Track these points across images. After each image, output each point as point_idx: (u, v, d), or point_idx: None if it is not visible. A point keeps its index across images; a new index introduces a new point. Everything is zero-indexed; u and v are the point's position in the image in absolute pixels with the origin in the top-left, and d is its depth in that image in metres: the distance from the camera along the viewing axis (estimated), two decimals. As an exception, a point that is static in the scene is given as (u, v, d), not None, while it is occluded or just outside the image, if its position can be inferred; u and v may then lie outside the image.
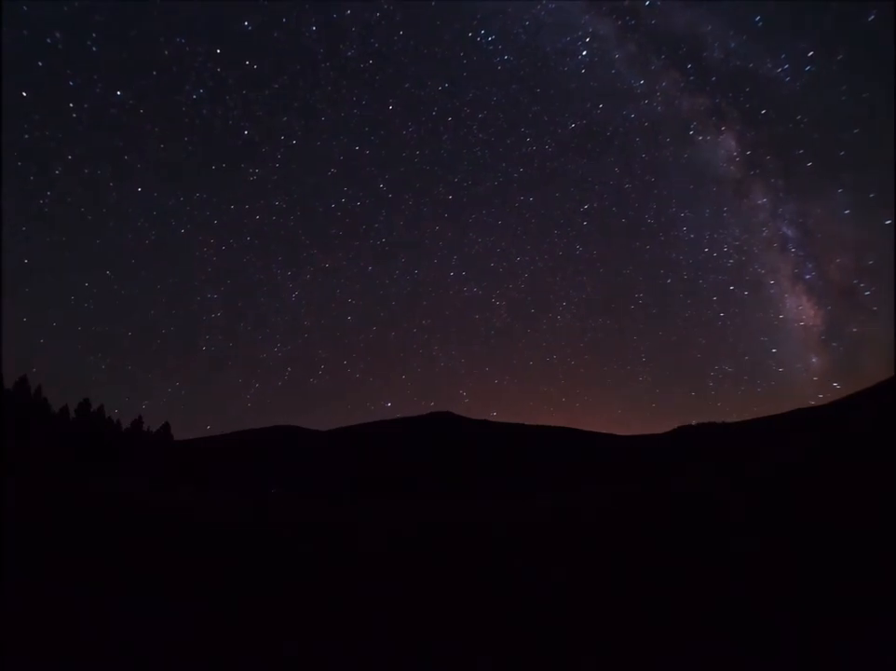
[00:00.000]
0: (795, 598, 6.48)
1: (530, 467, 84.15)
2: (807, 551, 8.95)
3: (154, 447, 70.72)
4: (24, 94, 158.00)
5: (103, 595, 7.12)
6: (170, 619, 6.38)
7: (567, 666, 5.11)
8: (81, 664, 4.87)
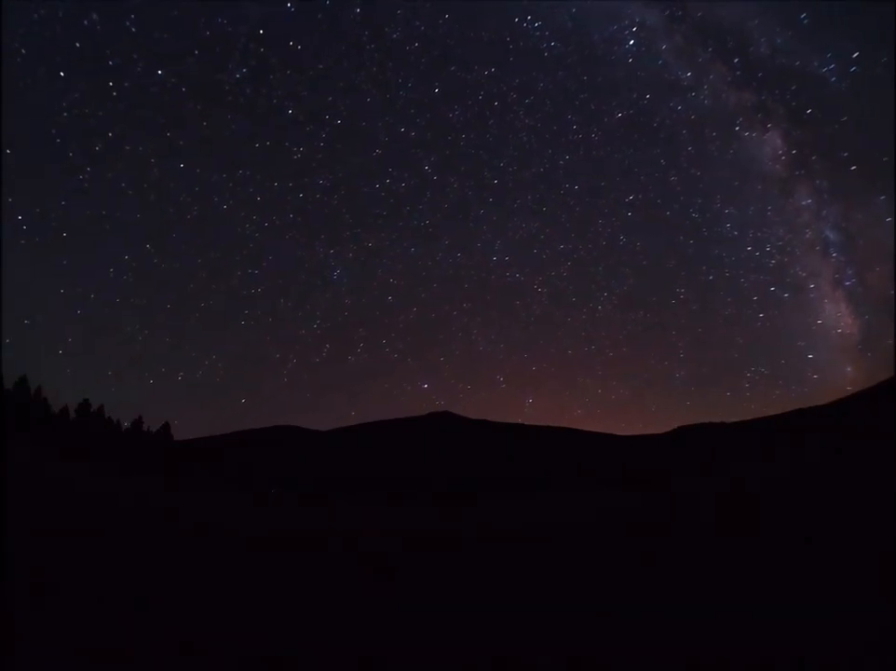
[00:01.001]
0: (795, 598, 6.47)
1: (530, 467, 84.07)
2: (806, 550, 8.94)
3: (154, 447, 70.70)
4: (62, 74, 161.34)
5: (104, 594, 7.11)
6: (170, 617, 6.37)
7: (569, 662, 5.11)
8: (81, 662, 4.86)
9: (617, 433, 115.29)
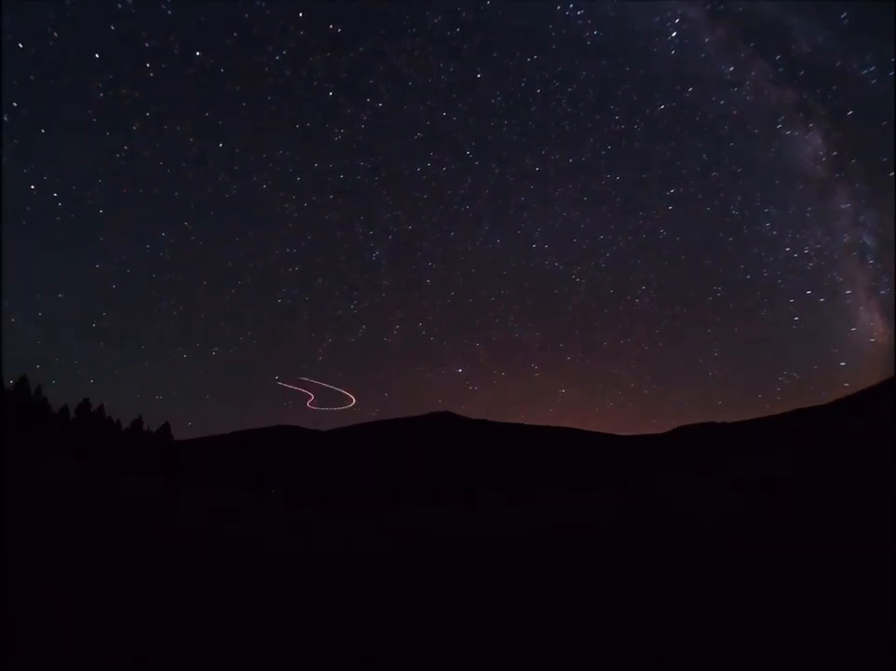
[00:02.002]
0: (795, 598, 6.48)
1: (529, 467, 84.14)
2: (806, 549, 8.95)
3: (154, 447, 70.76)
4: (97, 56, 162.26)
5: (104, 594, 7.13)
6: (170, 617, 6.38)
7: (567, 665, 5.12)
8: (81, 662, 4.87)
9: (617, 433, 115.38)
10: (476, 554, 13.09)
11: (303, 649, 5.59)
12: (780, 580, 7.47)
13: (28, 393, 61.75)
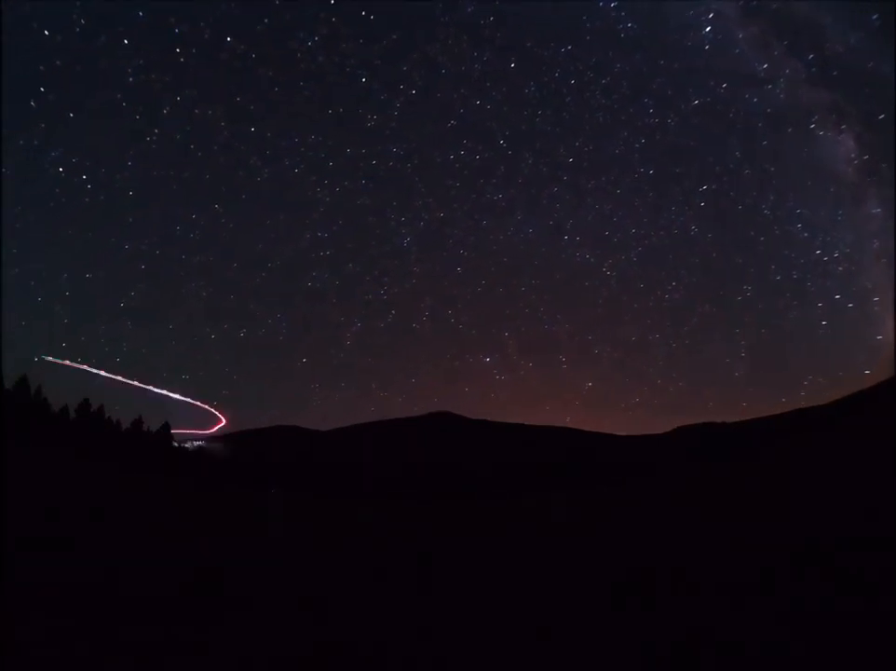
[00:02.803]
0: (795, 598, 6.48)
1: (529, 467, 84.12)
2: (806, 549, 8.95)
3: (154, 447, 70.76)
4: (125, 41, 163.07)
5: (103, 594, 7.12)
6: (170, 618, 6.38)
7: (565, 660, 5.12)
8: (81, 663, 4.87)
9: (617, 433, 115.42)
10: (476, 555, 13.09)
11: (303, 648, 5.59)
12: (781, 580, 7.47)
13: (28, 393, 61.74)
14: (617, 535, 15.24)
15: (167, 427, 78.63)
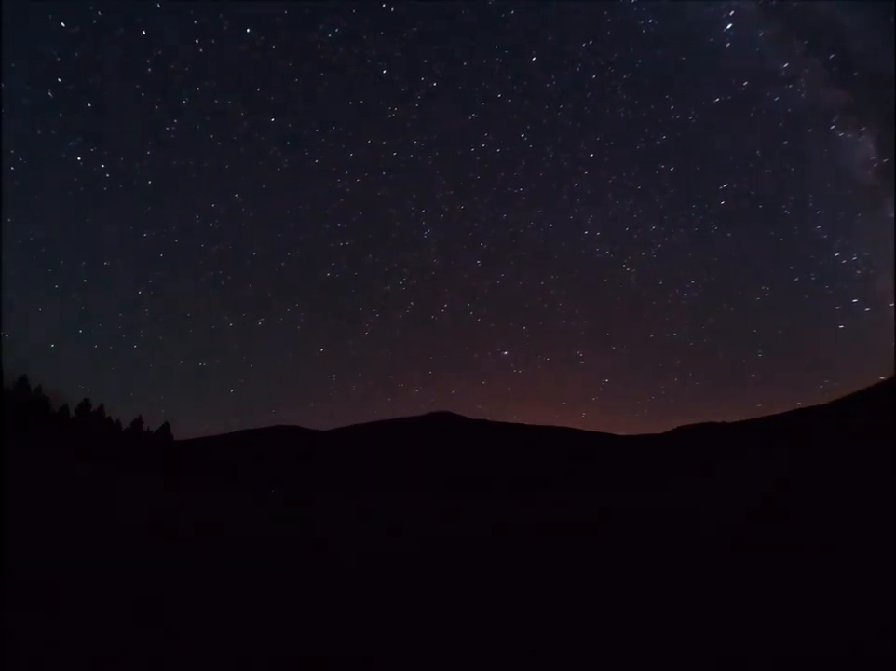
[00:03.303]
0: (794, 598, 6.48)
1: (530, 467, 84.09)
2: (806, 549, 8.94)
3: (154, 447, 70.73)
4: (143, 33, 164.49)
5: (104, 594, 7.12)
6: (171, 618, 6.38)
7: (565, 664, 5.11)
8: (81, 663, 4.87)
9: (618, 433, 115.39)
10: (477, 555, 13.08)
11: (303, 648, 5.58)
12: (781, 579, 7.47)
13: (28, 393, 61.73)
14: (617, 535, 15.23)
15: (167, 427, 78.62)
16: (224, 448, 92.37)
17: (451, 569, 10.87)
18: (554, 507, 31.88)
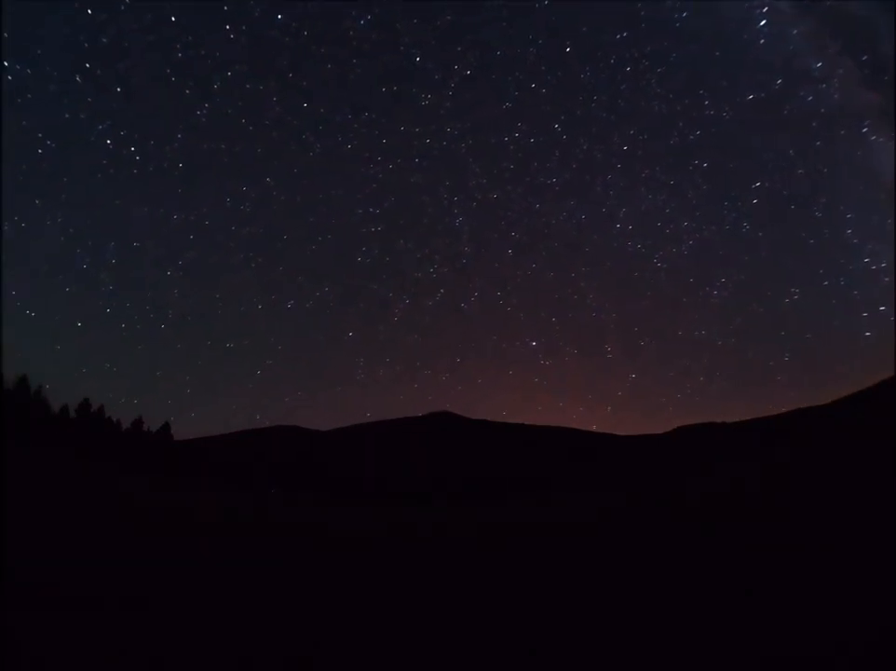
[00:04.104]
0: (795, 599, 6.48)
1: (529, 467, 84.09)
2: (806, 549, 8.94)
3: (154, 447, 70.68)
4: (172, 19, 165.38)
5: (104, 594, 7.12)
6: (171, 618, 6.38)
7: (565, 664, 5.11)
8: (81, 663, 4.87)
9: (618, 433, 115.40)
10: (477, 554, 13.08)
11: (303, 648, 5.59)
12: (781, 580, 7.47)
13: (28, 393, 61.71)
14: (617, 535, 15.22)
15: (167, 427, 78.61)
16: (224, 448, 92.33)
17: (451, 569, 10.87)
18: (554, 507, 31.88)
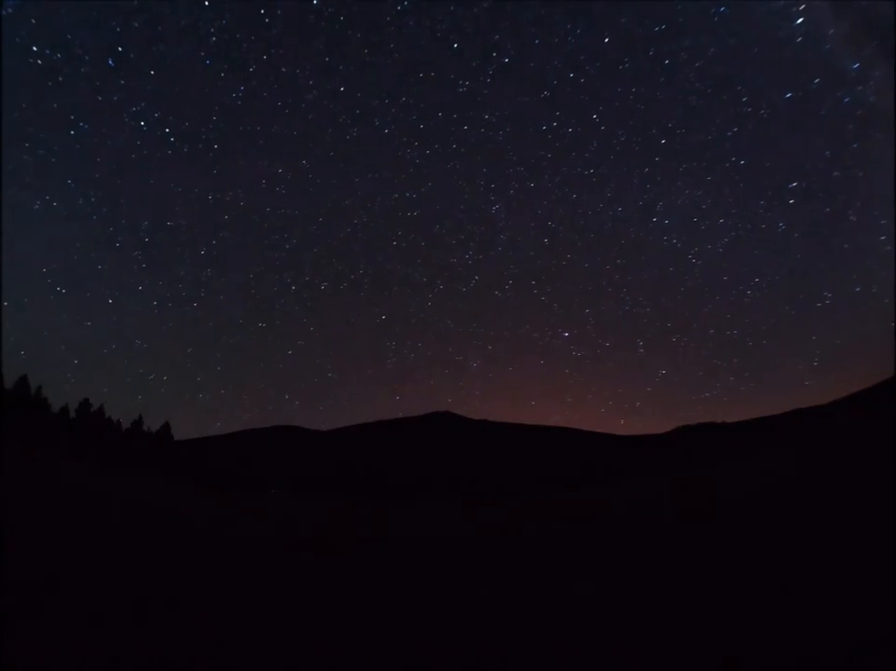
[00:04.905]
0: (794, 599, 6.48)
1: (529, 467, 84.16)
2: (806, 549, 8.95)
3: (154, 447, 70.72)
4: (206, 3, 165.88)
5: (104, 594, 7.13)
6: (171, 618, 6.38)
7: (565, 665, 5.12)
8: (81, 663, 4.87)
9: (617, 433, 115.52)
10: (476, 554, 13.09)
11: (303, 648, 5.59)
12: (781, 580, 7.47)
13: (28, 393, 61.74)
14: (617, 535, 15.23)
15: (167, 427, 78.63)
16: (224, 448, 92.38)
17: (451, 569, 10.87)
18: (554, 507, 31.88)
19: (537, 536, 16.88)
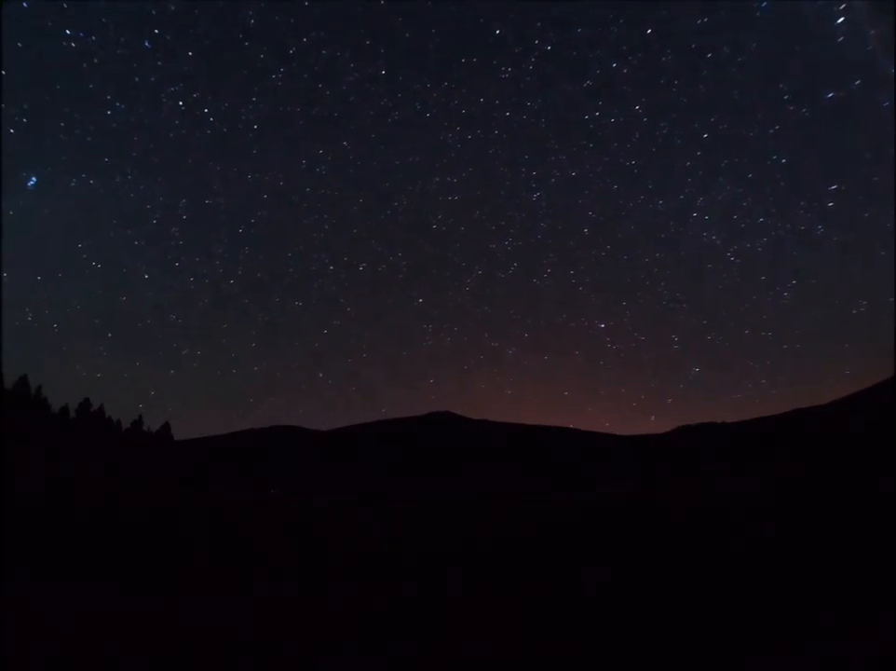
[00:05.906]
0: (794, 599, 6.48)
1: (529, 467, 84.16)
2: (806, 550, 8.95)
3: (154, 447, 70.67)
4: None
5: (104, 595, 7.12)
6: (171, 618, 6.38)
7: (565, 665, 5.11)
8: (81, 662, 4.87)
9: (617, 433, 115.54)
10: (477, 555, 13.08)
11: (303, 649, 5.58)
12: (781, 580, 7.46)
13: (28, 393, 61.76)
14: (617, 535, 15.22)
15: (167, 427, 78.67)
16: (223, 448, 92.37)
17: (451, 570, 10.87)
18: (554, 507, 31.88)
19: (537, 536, 16.87)
